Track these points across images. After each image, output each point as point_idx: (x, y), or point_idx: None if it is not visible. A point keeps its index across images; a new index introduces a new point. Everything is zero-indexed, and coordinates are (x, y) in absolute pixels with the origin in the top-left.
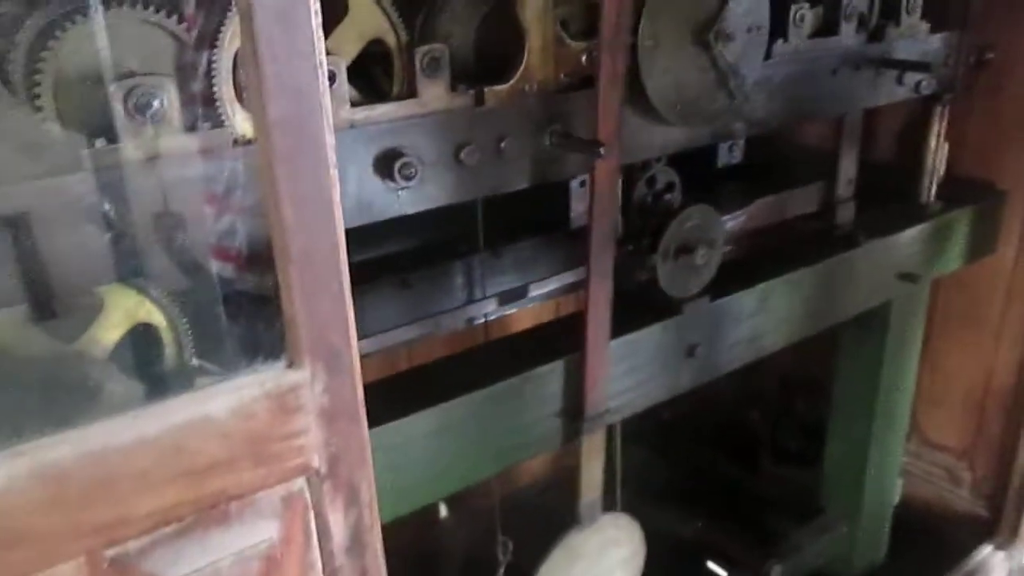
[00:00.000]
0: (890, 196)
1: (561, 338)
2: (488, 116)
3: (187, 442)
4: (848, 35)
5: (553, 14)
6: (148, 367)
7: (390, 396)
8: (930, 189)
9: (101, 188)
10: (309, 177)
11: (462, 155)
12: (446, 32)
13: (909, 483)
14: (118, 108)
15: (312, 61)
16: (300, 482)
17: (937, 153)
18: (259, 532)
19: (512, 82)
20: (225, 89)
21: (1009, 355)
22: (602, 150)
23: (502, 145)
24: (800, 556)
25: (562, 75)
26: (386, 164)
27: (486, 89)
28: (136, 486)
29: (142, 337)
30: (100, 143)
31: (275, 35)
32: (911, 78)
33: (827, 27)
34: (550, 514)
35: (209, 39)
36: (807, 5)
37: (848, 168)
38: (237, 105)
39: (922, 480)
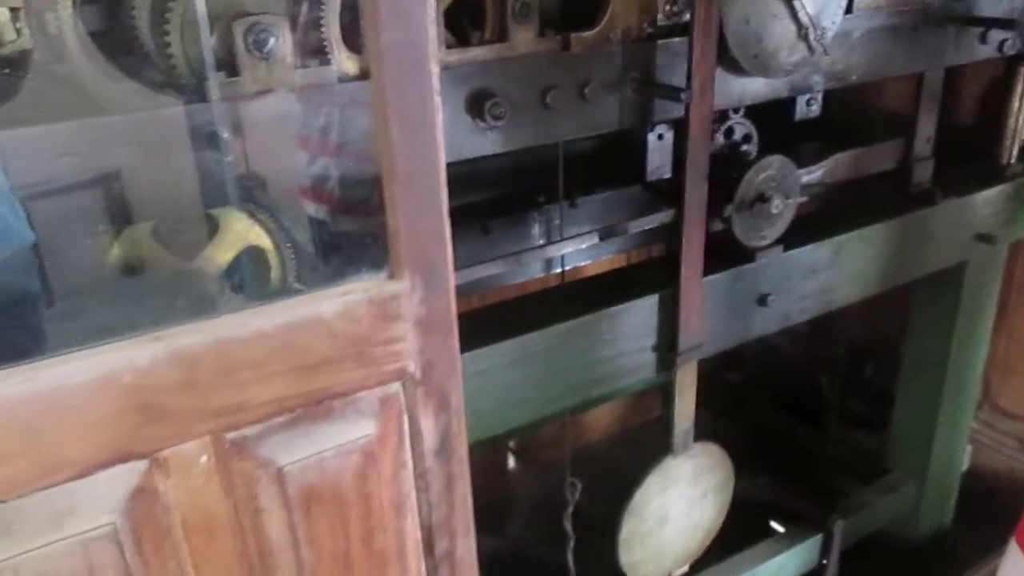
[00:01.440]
0: (970, 158)
1: (638, 280)
2: (573, 61)
3: (299, 339)
4: None
5: None
6: (254, 287)
7: (474, 327)
8: (1011, 150)
9: (220, 117)
10: (416, 100)
11: (548, 98)
12: None
13: (978, 452)
14: (238, 44)
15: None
16: (396, 386)
17: (1020, 114)
18: (359, 429)
19: (598, 29)
20: (332, 30)
21: None
22: (683, 95)
23: (586, 90)
24: (864, 514)
25: (644, 24)
26: (476, 104)
27: (572, 35)
28: (255, 376)
29: (250, 259)
30: (222, 76)
31: None
32: (995, 37)
33: None
34: (617, 467)
35: None
36: None
37: (926, 126)
38: (342, 45)
39: (992, 449)
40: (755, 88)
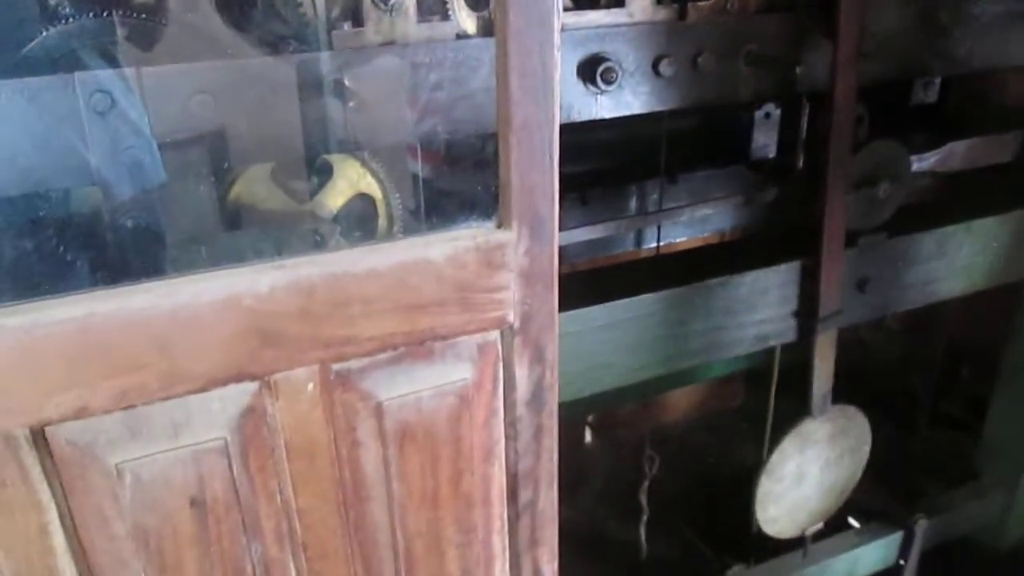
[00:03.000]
0: None
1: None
2: (688, 31)
3: (408, 279)
4: None
5: None
6: (363, 234)
7: (583, 288)
8: None
9: (343, 66)
10: (536, 53)
11: (660, 66)
12: None
13: None
14: None
15: None
16: (495, 333)
17: None
18: (457, 372)
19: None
20: None
21: None
22: (798, 70)
23: (699, 60)
24: (949, 517)
25: None
26: (589, 68)
27: (689, 4)
28: (364, 311)
29: (360, 205)
30: (347, 26)
31: None
32: None
33: None
34: (693, 448)
35: None
36: None
37: None
38: (463, 2)
39: None
40: (869, 68)
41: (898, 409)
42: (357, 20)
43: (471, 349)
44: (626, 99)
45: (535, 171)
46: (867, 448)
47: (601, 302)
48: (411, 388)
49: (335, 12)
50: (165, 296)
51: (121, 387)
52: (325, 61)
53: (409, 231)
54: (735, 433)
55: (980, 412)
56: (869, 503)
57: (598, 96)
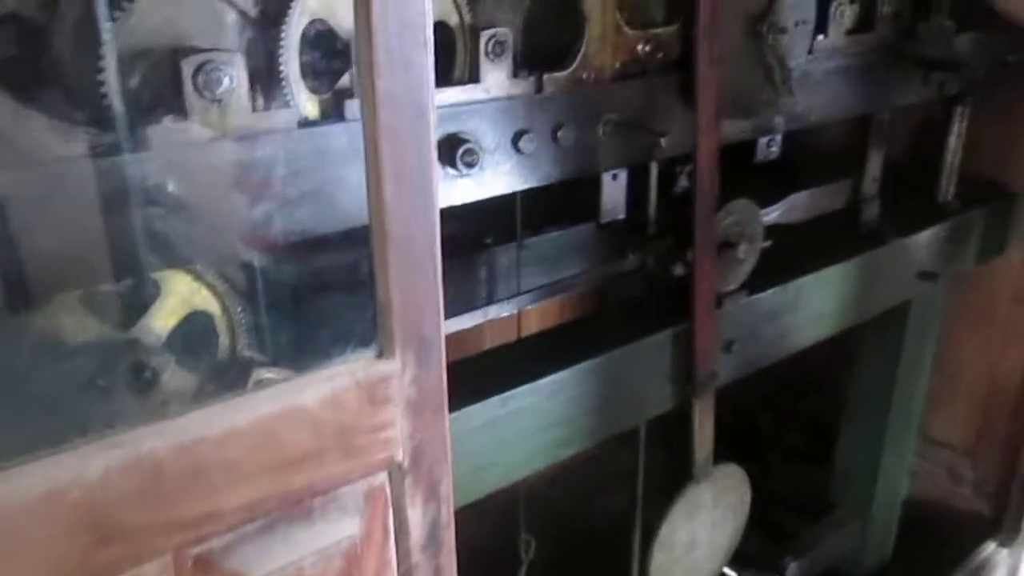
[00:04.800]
0: (907, 193)
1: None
2: (546, 103)
3: (279, 433)
4: (882, 32)
5: (614, 2)
6: (201, 356)
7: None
8: (948, 188)
9: (165, 168)
10: (413, 154)
11: (521, 143)
12: (489, 19)
13: (911, 481)
14: (187, 85)
15: (422, 34)
16: (382, 476)
17: (956, 153)
18: (341, 528)
19: (571, 69)
20: (291, 68)
21: (1015, 354)
22: (662, 140)
23: (559, 134)
24: (814, 553)
25: (617, 64)
26: (448, 150)
27: (545, 76)
28: (226, 479)
29: (197, 325)
30: (168, 121)
31: (389, 9)
32: (936, 77)
33: (863, 23)
34: (562, 507)
35: (275, 15)
36: (846, 1)
37: (874, 166)
38: (302, 84)
39: (924, 478)
40: (722, 130)
41: (747, 444)
42: (180, 113)
43: (356, 499)
44: (488, 180)
45: (418, 288)
46: (748, 500)
47: (475, 399)
48: (289, 558)
49: (152, 105)
50: None
51: None
52: (143, 163)
53: (259, 348)
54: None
55: (825, 442)
56: (740, 547)
57: (458, 180)
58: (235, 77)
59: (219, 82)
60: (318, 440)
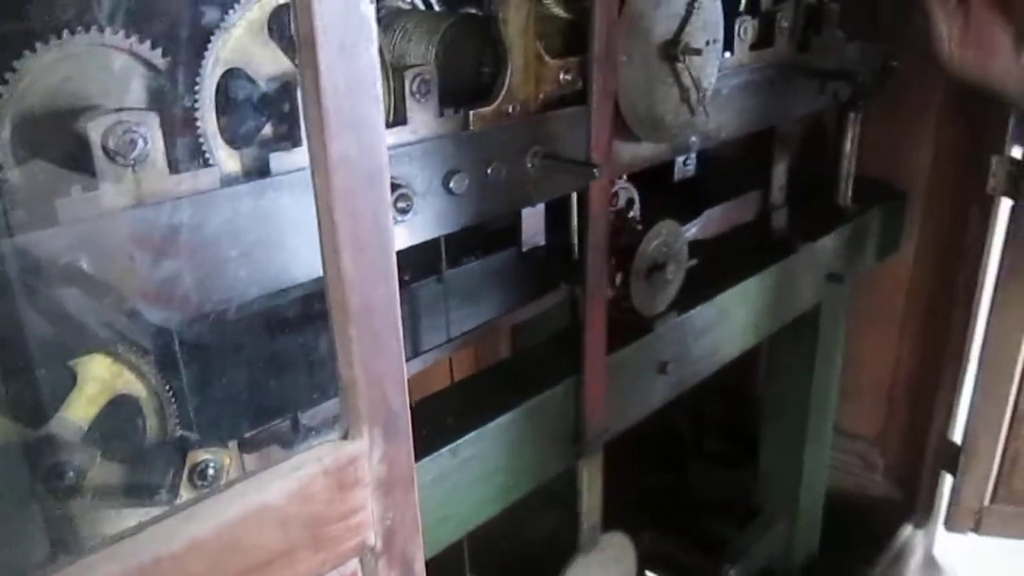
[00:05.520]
0: (807, 199)
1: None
2: (475, 140)
3: (244, 536)
4: (781, 46)
5: (534, 30)
6: (130, 444)
7: None
8: (846, 192)
9: (77, 244)
10: (370, 220)
11: (452, 183)
12: (400, 51)
13: (828, 473)
14: (95, 150)
15: (374, 92)
16: (354, 563)
17: (851, 157)
18: None
19: (496, 104)
20: (209, 123)
21: (912, 345)
22: (596, 171)
23: (488, 170)
24: (748, 558)
25: (541, 95)
26: None
27: (471, 112)
28: None
29: (121, 410)
30: (76, 191)
31: (338, 66)
32: (831, 87)
33: (763, 39)
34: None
35: (188, 66)
36: (748, 18)
37: (780, 176)
38: (220, 140)
39: (839, 470)
40: (642, 153)
41: (667, 453)
42: (90, 182)
43: None
44: (421, 224)
45: (382, 361)
46: (634, 568)
47: (425, 453)
48: None
49: (56, 176)
50: None
51: None
52: (51, 240)
53: (192, 427)
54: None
55: (744, 444)
56: (679, 558)
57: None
58: (149, 138)
59: (132, 144)
60: (287, 538)
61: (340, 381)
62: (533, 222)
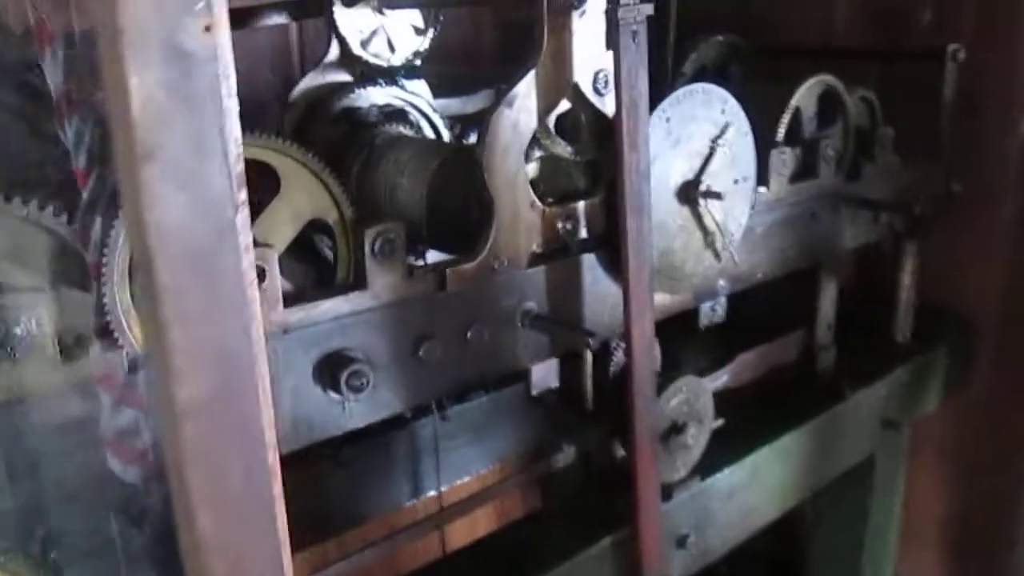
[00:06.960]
0: (860, 329)
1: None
2: (452, 302)
3: None
4: (827, 177)
5: (525, 175)
6: None
7: None
8: (905, 327)
9: None
10: (240, 481)
11: (421, 351)
12: (391, 183)
13: None
14: None
15: (242, 318)
16: None
17: (910, 290)
18: None
19: (479, 259)
20: (119, 299)
21: (984, 489)
22: (590, 340)
23: (468, 334)
24: None
25: (534, 246)
26: (330, 373)
27: (448, 270)
28: None
29: None
30: None
31: (189, 286)
32: (885, 218)
33: (805, 169)
34: None
35: (97, 238)
36: (788, 148)
37: (827, 313)
38: (133, 317)
39: None
40: (660, 303)
41: None
42: None
43: None
44: (383, 399)
45: None
46: None
47: None
48: None
49: None
50: None
51: None
52: None
53: None
54: None
55: None
56: None
57: (346, 404)
58: (34, 321)
59: (9, 333)
60: None
61: None
62: (543, 367)
